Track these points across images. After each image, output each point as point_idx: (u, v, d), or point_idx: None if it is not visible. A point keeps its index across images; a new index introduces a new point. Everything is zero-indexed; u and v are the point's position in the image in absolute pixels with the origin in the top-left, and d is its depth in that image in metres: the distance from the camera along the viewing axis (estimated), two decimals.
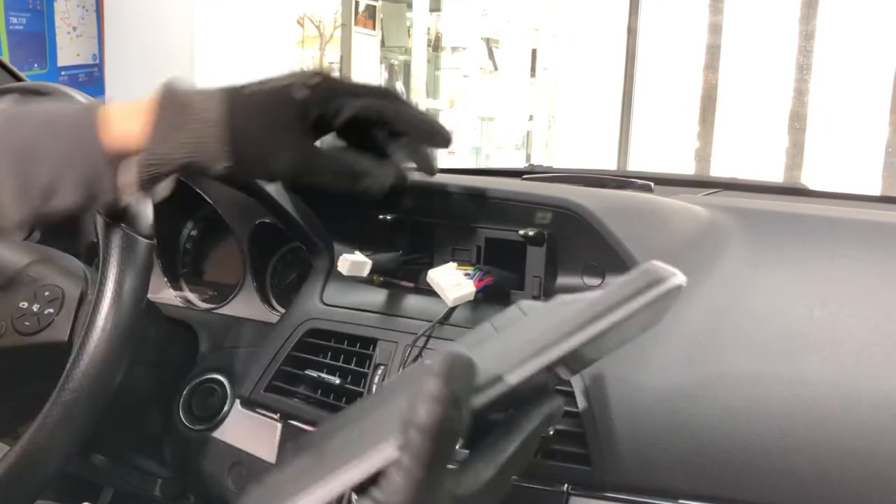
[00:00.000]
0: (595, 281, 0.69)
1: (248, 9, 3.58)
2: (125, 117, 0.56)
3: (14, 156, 0.53)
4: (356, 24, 5.55)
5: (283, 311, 0.87)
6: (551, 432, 0.60)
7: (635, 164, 4.18)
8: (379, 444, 0.39)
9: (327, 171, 0.58)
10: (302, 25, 5.59)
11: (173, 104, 0.55)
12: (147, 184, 0.56)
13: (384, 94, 0.59)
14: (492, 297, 0.72)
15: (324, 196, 0.85)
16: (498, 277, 0.70)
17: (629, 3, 4.11)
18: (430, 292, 0.75)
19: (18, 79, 1.14)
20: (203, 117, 0.55)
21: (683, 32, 4.38)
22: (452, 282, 0.67)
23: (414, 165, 0.63)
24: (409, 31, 6.63)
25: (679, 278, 0.43)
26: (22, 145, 0.54)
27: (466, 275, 0.68)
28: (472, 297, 0.67)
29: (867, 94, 3.88)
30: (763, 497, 0.54)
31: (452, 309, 0.69)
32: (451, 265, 0.69)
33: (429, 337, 0.70)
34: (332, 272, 0.80)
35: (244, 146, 0.55)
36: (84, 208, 0.56)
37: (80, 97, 0.71)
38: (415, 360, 0.69)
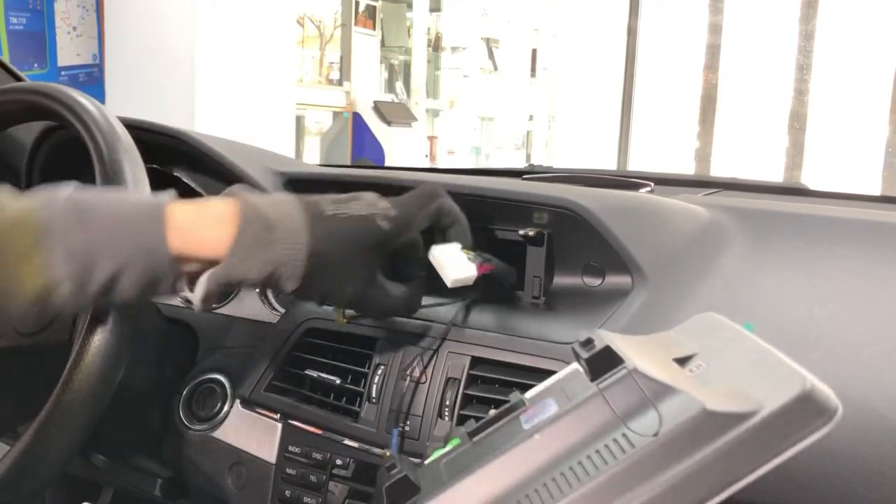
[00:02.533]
0: (595, 281, 0.69)
1: (248, 9, 3.58)
2: (198, 225, 0.54)
3: (77, 257, 0.51)
4: (356, 24, 5.56)
5: (283, 311, 0.87)
6: None
7: (635, 164, 4.18)
8: None
9: (378, 307, 0.62)
10: (302, 25, 5.59)
11: (258, 221, 0.54)
12: (216, 295, 0.56)
13: (446, 214, 0.64)
14: (499, 296, 0.72)
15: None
16: (498, 268, 0.69)
17: (629, 3, 4.11)
18: (430, 292, 0.74)
19: (18, 79, 1.14)
20: (290, 241, 0.55)
21: (683, 32, 4.38)
22: (455, 263, 0.65)
23: None
24: (409, 31, 6.63)
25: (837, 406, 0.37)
26: (85, 247, 0.51)
27: (469, 258, 0.66)
28: (471, 282, 0.65)
29: (867, 94, 3.88)
30: (763, 497, 0.54)
31: (467, 307, 0.69)
32: (455, 245, 0.66)
33: (443, 339, 0.70)
34: None
35: (319, 274, 0.56)
36: (140, 301, 0.55)
37: (90, 104, 0.70)
38: (428, 360, 0.69)
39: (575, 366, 0.45)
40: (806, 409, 0.37)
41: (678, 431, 0.36)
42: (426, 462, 0.47)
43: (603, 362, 0.41)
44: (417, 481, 0.45)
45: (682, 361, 0.43)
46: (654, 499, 0.36)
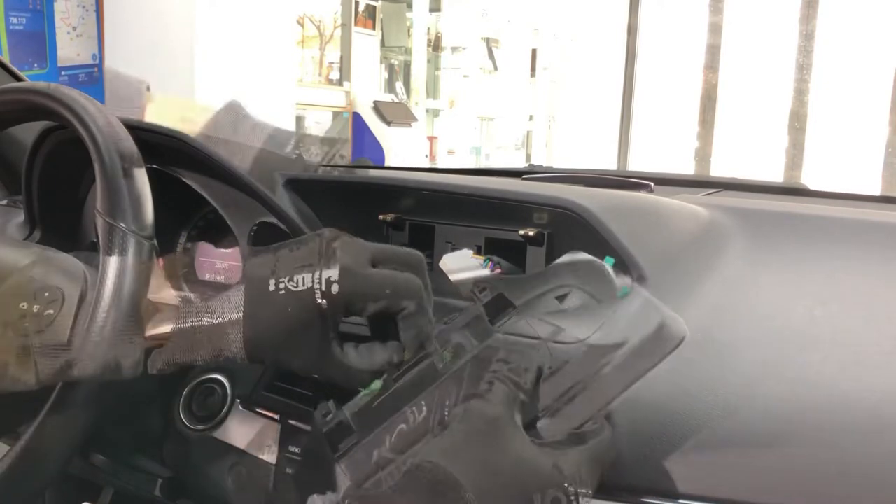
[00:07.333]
0: None
1: (248, 9, 3.59)
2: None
3: None
4: (356, 24, 5.56)
5: None
6: None
7: (635, 164, 4.18)
8: None
9: (342, 375, 0.55)
10: (302, 25, 5.59)
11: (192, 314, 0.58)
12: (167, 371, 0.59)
13: (404, 297, 0.54)
14: None
15: (324, 196, 0.85)
16: (505, 269, 0.69)
17: (629, 3, 4.11)
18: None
19: (18, 79, 1.14)
20: (224, 317, 0.56)
21: (683, 32, 4.38)
22: (468, 270, 0.66)
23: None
24: (409, 31, 6.63)
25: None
26: None
27: (480, 263, 0.67)
28: None
29: (867, 94, 3.88)
30: (763, 497, 0.54)
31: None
32: (467, 252, 0.68)
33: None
34: None
35: (263, 347, 0.55)
36: None
37: (90, 104, 0.70)
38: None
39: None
40: (660, 337, 0.49)
41: (566, 365, 0.50)
42: (356, 401, 0.54)
43: (497, 305, 0.53)
44: (351, 424, 0.53)
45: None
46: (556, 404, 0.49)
